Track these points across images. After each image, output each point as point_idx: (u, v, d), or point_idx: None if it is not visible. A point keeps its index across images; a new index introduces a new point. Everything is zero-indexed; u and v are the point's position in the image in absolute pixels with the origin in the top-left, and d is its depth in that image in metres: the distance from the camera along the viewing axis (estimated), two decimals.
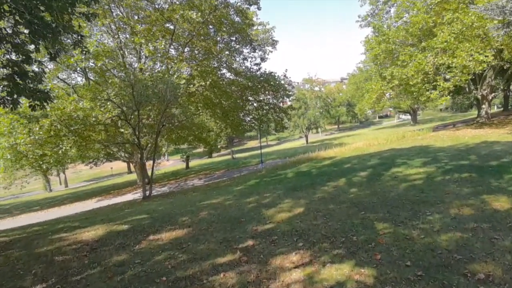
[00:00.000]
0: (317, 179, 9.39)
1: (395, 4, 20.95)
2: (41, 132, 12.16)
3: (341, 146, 21.42)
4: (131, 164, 29.01)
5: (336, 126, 66.66)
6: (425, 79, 17.56)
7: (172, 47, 18.03)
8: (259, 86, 19.68)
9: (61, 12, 4.96)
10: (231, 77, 20.29)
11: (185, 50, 18.08)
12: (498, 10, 8.84)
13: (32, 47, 5.47)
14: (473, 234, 3.67)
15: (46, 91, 6.43)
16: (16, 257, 4.78)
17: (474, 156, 8.94)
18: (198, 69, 16.45)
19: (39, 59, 6.53)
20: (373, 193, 6.37)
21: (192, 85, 15.82)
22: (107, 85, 14.03)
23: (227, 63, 19.45)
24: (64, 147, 13.54)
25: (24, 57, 5.38)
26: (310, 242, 4.05)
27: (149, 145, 17.51)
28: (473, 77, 17.87)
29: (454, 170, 7.41)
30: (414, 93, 19.88)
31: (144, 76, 15.22)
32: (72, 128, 12.97)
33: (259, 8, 18.10)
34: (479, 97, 19.83)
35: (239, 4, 17.17)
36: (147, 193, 14.43)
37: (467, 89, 20.37)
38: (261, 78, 19.50)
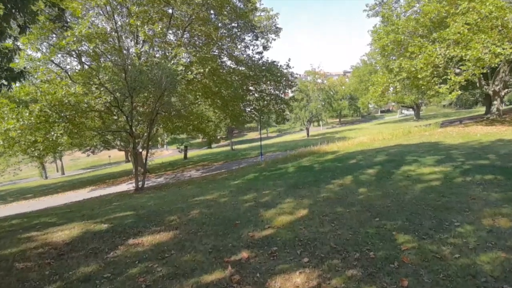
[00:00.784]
0: (320, 175, 8.68)
1: None
2: (31, 118, 11.41)
3: (343, 140, 20.73)
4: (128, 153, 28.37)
5: (338, 120, 65.78)
6: (435, 72, 16.71)
7: (170, 31, 17.12)
8: (261, 76, 18.82)
9: None
10: (231, 65, 19.41)
11: (185, 35, 17.16)
12: None
13: None
14: None
15: (19, 70, 5.66)
16: None
17: (493, 156, 8.21)
18: (197, 55, 15.57)
19: (10, 33, 5.74)
20: (386, 195, 5.65)
21: (190, 72, 14.99)
22: (100, 69, 13.23)
23: (228, 50, 18.54)
24: (55, 134, 12.82)
25: None
26: (317, 257, 3.34)
27: (145, 134, 16.79)
28: (487, 71, 16.97)
29: (474, 170, 6.69)
30: (422, 87, 19.04)
31: (140, 61, 14.42)
32: (62, 114, 12.22)
33: None
34: (491, 92, 18.96)
35: None
36: (140, 184, 13.77)
37: (477, 84, 19.49)
38: (263, 67, 18.63)
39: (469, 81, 16.94)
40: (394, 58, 20.78)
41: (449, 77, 16.00)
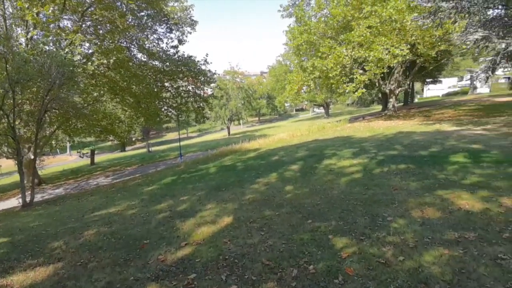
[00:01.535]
0: (244, 174, 8.11)
1: None
2: None
3: (264, 138, 20.82)
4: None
5: (257, 118, 67.47)
6: (343, 72, 17.99)
7: (65, 16, 14.40)
8: (177, 71, 17.44)
9: None
10: (143, 58, 17.49)
11: (87, 23, 14.61)
12: None
13: None
14: (464, 251, 2.77)
15: None
16: None
17: (399, 146, 8.86)
18: (98, 43, 13.42)
19: None
20: (313, 192, 5.34)
21: (91, 63, 12.78)
22: None
23: (138, 41, 16.61)
24: None
25: None
26: (248, 282, 2.63)
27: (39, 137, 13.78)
28: (387, 70, 18.98)
29: (388, 161, 6.97)
30: (333, 85, 20.42)
31: (25, 48, 11.74)
32: None
33: None
34: (387, 91, 21.45)
35: None
36: (28, 199, 11.14)
37: (377, 84, 21.85)
38: (179, 62, 17.28)
39: (371, 80, 18.77)
40: (305, 59, 21.84)
41: (355, 76, 17.39)
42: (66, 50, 12.46)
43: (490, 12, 10.25)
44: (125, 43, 16.18)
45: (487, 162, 5.83)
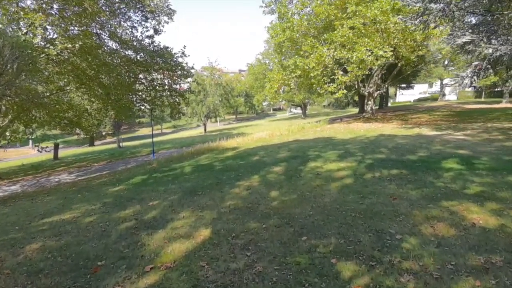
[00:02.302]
0: (223, 176, 7.39)
1: None
2: None
3: (242, 136, 20.13)
4: None
5: (234, 116, 66.59)
6: (324, 72, 17.68)
7: None
8: (152, 63, 16.30)
9: None
10: (115, 46, 16.17)
11: (54, 6, 13.10)
12: None
13: None
14: (495, 281, 2.26)
15: None
16: None
17: (385, 149, 8.52)
18: (62, 25, 12.11)
19: None
20: (302, 199, 4.74)
21: (53, 47, 11.47)
22: None
23: (109, 28, 15.30)
24: None
25: None
26: None
27: None
28: (369, 72, 18.84)
29: (378, 165, 6.54)
30: (314, 85, 20.09)
31: None
32: None
33: None
34: (366, 94, 21.48)
35: None
36: None
37: (356, 86, 21.82)
38: (155, 53, 16.16)
39: (351, 82, 18.61)
40: (284, 58, 21.40)
41: (336, 77, 17.13)
42: (25, 31, 11.12)
43: (473, 18, 10.22)
44: (95, 29, 14.84)
45: (482, 170, 5.53)
